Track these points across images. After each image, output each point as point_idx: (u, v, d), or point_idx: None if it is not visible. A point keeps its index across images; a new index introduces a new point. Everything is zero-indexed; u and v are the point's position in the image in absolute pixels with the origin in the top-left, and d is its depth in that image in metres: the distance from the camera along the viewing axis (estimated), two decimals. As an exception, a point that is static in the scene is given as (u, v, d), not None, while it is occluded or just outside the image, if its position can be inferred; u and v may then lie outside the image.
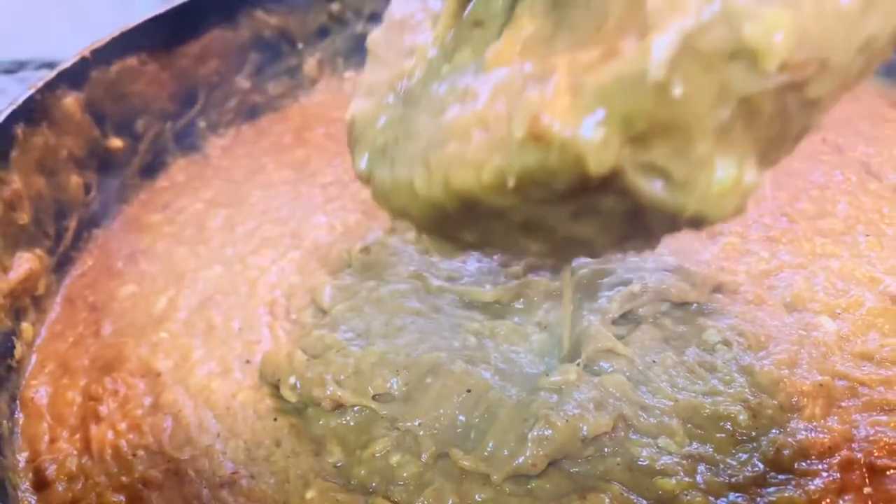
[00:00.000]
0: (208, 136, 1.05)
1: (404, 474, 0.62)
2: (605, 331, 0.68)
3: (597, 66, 0.40)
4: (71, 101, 0.86)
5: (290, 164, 1.02)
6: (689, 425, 0.63)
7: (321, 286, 0.79)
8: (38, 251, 0.80)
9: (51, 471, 0.66)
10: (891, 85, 1.03)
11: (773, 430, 0.63)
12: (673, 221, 0.44)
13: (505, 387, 0.65)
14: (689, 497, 0.59)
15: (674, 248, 0.78)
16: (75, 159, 0.87)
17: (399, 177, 0.50)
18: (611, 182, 0.41)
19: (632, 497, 0.59)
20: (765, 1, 0.38)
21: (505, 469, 0.60)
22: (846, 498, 0.59)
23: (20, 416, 0.71)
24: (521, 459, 0.60)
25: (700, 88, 0.39)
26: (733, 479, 0.60)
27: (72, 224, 0.87)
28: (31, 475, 0.66)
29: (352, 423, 0.66)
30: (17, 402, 0.72)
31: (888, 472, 0.60)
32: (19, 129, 0.79)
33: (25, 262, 0.77)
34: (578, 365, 0.66)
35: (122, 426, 0.69)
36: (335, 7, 1.12)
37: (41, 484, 0.65)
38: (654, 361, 0.67)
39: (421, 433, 0.63)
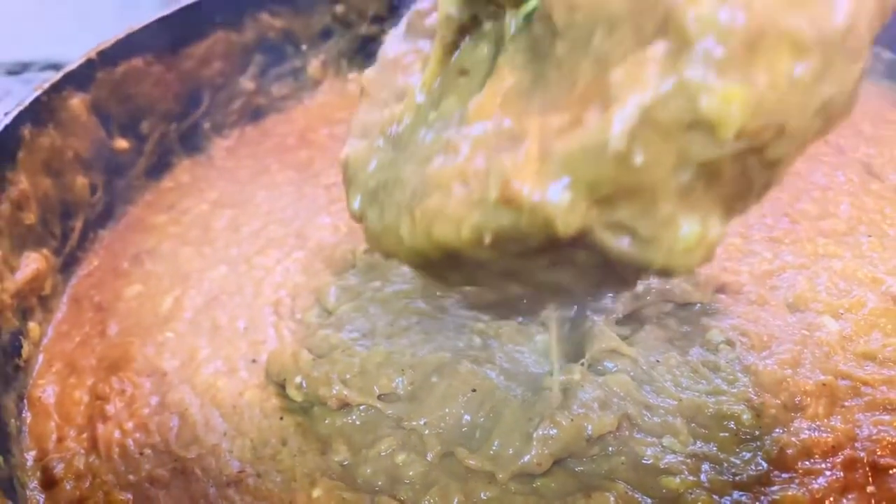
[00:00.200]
0: (213, 138, 1.05)
1: (410, 473, 0.62)
2: (610, 331, 0.69)
3: (564, 134, 0.42)
4: (77, 102, 0.87)
5: (295, 165, 1.02)
6: (693, 424, 0.64)
7: (326, 286, 0.79)
8: (44, 251, 0.81)
9: (59, 469, 0.66)
10: (892, 86, 1.03)
11: (777, 430, 0.64)
12: (644, 270, 0.46)
13: (510, 386, 0.65)
14: (693, 496, 0.59)
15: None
16: (81, 160, 0.88)
17: (387, 223, 0.53)
18: (581, 239, 0.43)
19: (636, 496, 0.59)
20: (719, 74, 0.39)
21: (510, 468, 0.60)
22: (849, 497, 0.59)
23: (28, 415, 0.72)
24: (526, 458, 0.60)
25: (660, 156, 0.41)
26: (737, 478, 0.60)
27: (78, 224, 0.88)
28: (39, 474, 0.66)
29: (358, 423, 0.66)
30: (25, 401, 0.73)
31: (891, 472, 0.61)
32: (26, 131, 0.80)
33: (32, 262, 0.77)
34: (583, 365, 0.66)
35: (129, 425, 0.70)
36: (339, 9, 1.12)
37: (49, 482, 0.65)
38: (658, 361, 0.68)
39: (426, 432, 0.64)
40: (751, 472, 0.61)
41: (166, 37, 0.97)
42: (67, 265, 0.86)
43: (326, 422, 0.67)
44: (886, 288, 0.75)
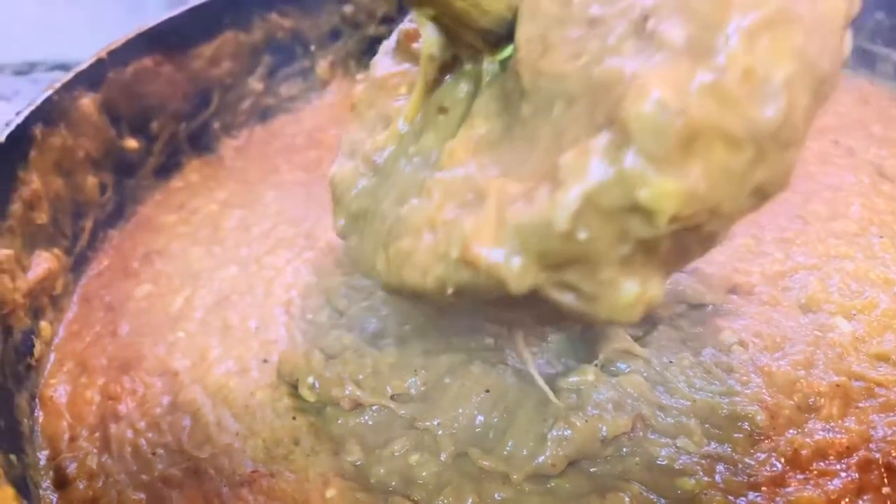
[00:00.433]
0: (222, 137, 1.05)
1: (423, 473, 0.62)
2: (622, 331, 0.69)
3: (518, 204, 0.47)
4: (88, 101, 0.87)
5: (303, 166, 1.02)
6: (706, 425, 0.64)
7: (337, 287, 0.79)
8: (55, 251, 0.81)
9: (71, 469, 0.66)
10: (902, 88, 1.03)
11: (791, 431, 0.63)
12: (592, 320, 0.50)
13: (523, 387, 0.65)
14: (708, 496, 0.59)
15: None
16: (92, 160, 0.88)
17: (366, 253, 0.59)
18: (533, 293, 0.47)
19: (651, 497, 0.59)
20: (656, 169, 0.42)
21: (525, 469, 0.60)
22: (865, 498, 0.59)
23: (40, 415, 0.71)
24: (540, 459, 0.60)
25: (602, 233, 0.44)
26: (752, 479, 0.60)
27: (88, 224, 0.88)
28: (52, 473, 0.66)
29: (370, 423, 0.66)
30: (37, 400, 0.73)
31: (906, 473, 0.60)
32: (38, 130, 0.80)
33: (44, 262, 0.77)
34: (596, 365, 0.66)
35: (141, 425, 0.70)
36: (348, 9, 1.13)
37: (62, 482, 0.65)
38: (671, 362, 0.68)
39: (440, 433, 0.64)
40: (765, 473, 0.61)
41: (176, 37, 0.97)
42: (78, 265, 0.86)
43: (339, 422, 0.67)
44: (899, 289, 0.75)
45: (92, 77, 0.87)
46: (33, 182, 0.78)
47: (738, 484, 0.60)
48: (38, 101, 0.80)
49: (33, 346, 0.75)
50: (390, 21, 1.13)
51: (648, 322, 0.72)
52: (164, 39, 0.96)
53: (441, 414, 0.65)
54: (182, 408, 0.71)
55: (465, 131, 0.55)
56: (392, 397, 0.67)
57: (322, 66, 1.13)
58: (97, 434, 0.69)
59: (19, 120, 0.77)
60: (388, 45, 0.69)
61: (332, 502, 0.62)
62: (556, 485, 0.61)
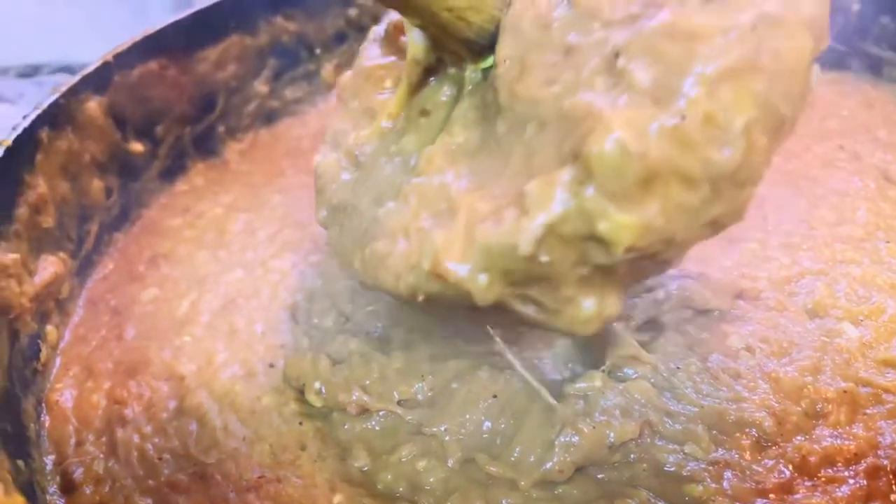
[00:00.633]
0: (227, 141, 1.05)
1: (431, 479, 0.62)
2: (629, 337, 0.69)
3: (487, 224, 0.50)
4: (94, 105, 0.87)
5: (308, 169, 1.01)
6: (714, 431, 0.64)
7: (343, 291, 0.79)
8: (61, 254, 0.81)
9: (78, 474, 0.66)
10: (907, 92, 1.03)
11: (798, 437, 0.63)
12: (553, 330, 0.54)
13: (531, 393, 0.65)
14: (716, 503, 0.59)
15: (695, 256, 0.78)
16: (97, 163, 0.88)
17: (345, 247, 0.62)
18: (497, 304, 0.52)
19: (659, 503, 0.59)
20: (615, 206, 0.45)
21: (532, 475, 0.60)
22: (873, 505, 0.59)
23: (46, 419, 0.71)
24: (548, 465, 0.60)
25: (563, 257, 0.48)
26: (760, 486, 0.60)
27: (93, 228, 0.87)
28: (58, 478, 0.66)
29: (377, 428, 0.66)
30: (43, 404, 0.72)
31: (914, 480, 0.60)
32: (44, 134, 0.80)
33: (50, 266, 0.77)
34: (604, 371, 0.66)
35: (148, 429, 0.70)
36: (353, 13, 1.12)
37: (69, 487, 0.65)
38: (678, 368, 0.68)
39: (447, 438, 0.64)
40: (773, 480, 0.61)
41: (181, 40, 0.97)
42: (83, 268, 0.86)
43: (346, 427, 0.67)
44: (906, 295, 0.74)
45: (98, 80, 0.87)
46: (39, 186, 0.78)
47: (745, 490, 0.60)
48: (45, 105, 0.80)
49: (40, 350, 0.75)
50: (395, 24, 1.13)
51: (655, 328, 0.71)
52: (170, 43, 0.96)
53: (448, 420, 0.64)
54: (188, 412, 0.71)
55: (444, 138, 0.58)
56: (399, 403, 0.67)
57: (327, 69, 1.13)
58: (104, 439, 0.69)
59: (26, 123, 0.77)
60: (377, 31, 0.71)
61: (340, 508, 0.62)
62: (564, 491, 0.61)
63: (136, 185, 0.94)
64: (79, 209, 0.85)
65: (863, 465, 0.61)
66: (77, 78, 0.85)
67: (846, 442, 0.63)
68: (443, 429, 0.64)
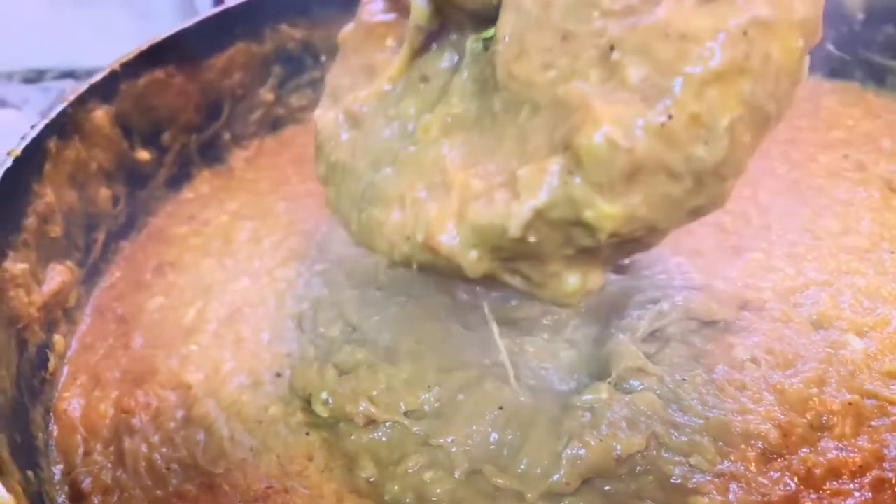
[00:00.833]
0: (232, 148, 1.05)
1: (437, 491, 0.63)
2: (635, 349, 0.69)
3: (479, 203, 0.52)
4: (101, 114, 0.87)
5: (314, 176, 1.02)
6: (720, 443, 0.64)
7: (349, 300, 0.79)
8: (69, 263, 0.81)
9: (86, 484, 0.66)
10: (911, 102, 1.03)
11: (804, 449, 0.64)
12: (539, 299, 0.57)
13: (537, 405, 0.65)
14: (722, 516, 0.59)
15: (700, 266, 0.79)
16: (105, 172, 0.88)
17: (341, 207, 0.63)
18: (487, 276, 0.54)
19: (665, 515, 0.60)
20: (601, 196, 0.48)
21: (539, 487, 0.61)
22: (878, 518, 0.59)
23: (54, 429, 0.72)
24: (555, 477, 0.60)
25: (549, 238, 0.51)
26: (765, 498, 0.61)
27: (100, 236, 0.88)
28: (67, 488, 0.66)
29: (384, 439, 0.67)
30: (51, 414, 0.73)
31: (919, 493, 0.61)
32: (52, 143, 0.80)
33: (58, 275, 0.78)
34: (609, 383, 0.66)
35: (156, 439, 0.70)
36: (358, 20, 1.13)
37: (77, 497, 0.66)
38: (683, 380, 0.68)
39: (454, 450, 0.64)
40: (779, 492, 0.61)
41: (187, 48, 0.97)
42: (90, 277, 0.86)
43: (353, 438, 0.67)
44: (910, 306, 0.75)
45: (105, 89, 0.88)
46: (47, 195, 0.78)
47: (751, 503, 0.60)
48: (53, 114, 0.81)
49: (48, 359, 0.75)
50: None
51: (660, 339, 0.72)
52: (176, 51, 0.96)
53: (455, 431, 0.65)
54: (196, 422, 0.71)
55: (442, 108, 0.59)
56: (406, 413, 0.67)
57: (332, 76, 1.13)
58: (111, 448, 0.69)
59: (34, 133, 0.77)
60: None
61: (347, 519, 0.63)
62: (571, 503, 0.61)
63: (143, 193, 0.95)
64: (86, 218, 0.85)
65: (868, 478, 0.62)
66: (84, 87, 0.85)
67: (851, 454, 0.63)
68: (449, 440, 0.64)
